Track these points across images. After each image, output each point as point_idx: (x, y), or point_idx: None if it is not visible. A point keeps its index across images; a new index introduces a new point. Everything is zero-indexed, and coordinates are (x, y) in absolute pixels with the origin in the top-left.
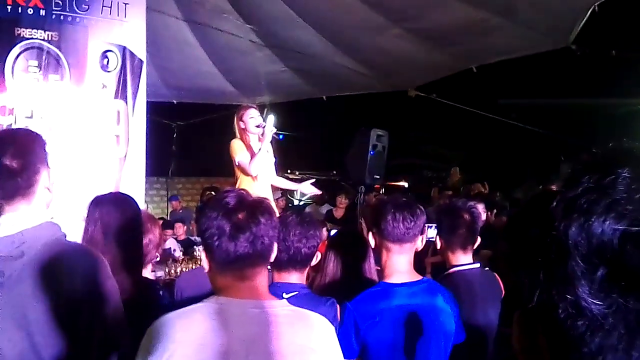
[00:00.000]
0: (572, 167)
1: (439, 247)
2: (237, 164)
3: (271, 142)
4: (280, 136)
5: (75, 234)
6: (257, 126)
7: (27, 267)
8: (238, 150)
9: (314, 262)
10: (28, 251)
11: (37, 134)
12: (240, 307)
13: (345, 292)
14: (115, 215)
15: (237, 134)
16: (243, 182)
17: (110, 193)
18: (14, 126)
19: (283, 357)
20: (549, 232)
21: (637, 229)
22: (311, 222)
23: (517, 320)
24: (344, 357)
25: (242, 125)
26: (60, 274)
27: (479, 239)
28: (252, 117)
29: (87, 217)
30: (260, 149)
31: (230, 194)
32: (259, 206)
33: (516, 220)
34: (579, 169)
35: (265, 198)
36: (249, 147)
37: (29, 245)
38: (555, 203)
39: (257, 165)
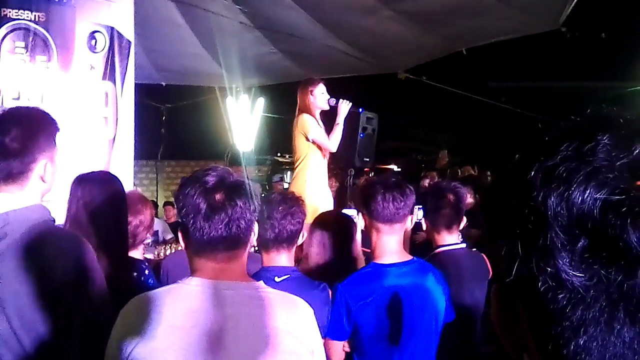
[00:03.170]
0: (550, 134)
1: (424, 228)
2: (311, 140)
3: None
4: (361, 109)
5: (63, 215)
6: (327, 101)
7: (9, 249)
8: (312, 125)
9: (300, 240)
10: (12, 233)
11: (50, 120)
12: (214, 288)
13: (331, 273)
14: (97, 194)
15: (305, 109)
16: (312, 159)
17: (93, 172)
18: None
19: (257, 339)
20: (526, 202)
21: (618, 197)
22: (293, 199)
23: (494, 294)
24: (336, 339)
25: (312, 99)
26: (42, 258)
27: (464, 219)
28: (323, 92)
29: (69, 195)
30: (337, 123)
31: (212, 172)
32: (238, 188)
33: (492, 190)
34: (558, 137)
35: (243, 180)
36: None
37: (13, 227)
38: (533, 172)
39: (337, 140)
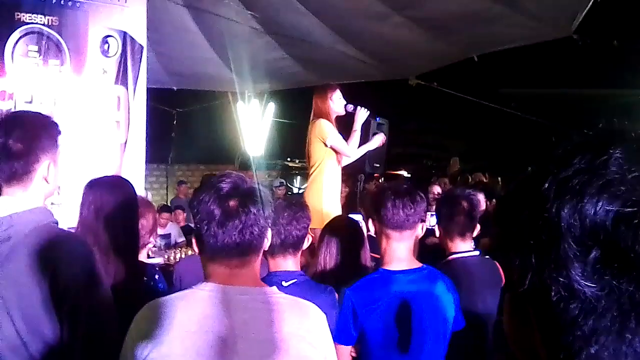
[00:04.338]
0: (563, 147)
1: (437, 235)
2: (329, 145)
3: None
4: (377, 118)
5: (74, 219)
6: (344, 107)
7: (13, 251)
8: (330, 131)
9: (305, 244)
10: (15, 235)
11: (51, 123)
12: (228, 294)
13: (340, 279)
14: (108, 198)
15: (322, 114)
16: (328, 165)
17: (105, 176)
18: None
19: (271, 344)
20: (540, 213)
21: (630, 209)
22: (298, 204)
23: (507, 303)
24: (343, 343)
25: (330, 104)
26: (45, 260)
27: (478, 227)
28: (340, 97)
29: (81, 200)
30: (355, 130)
31: (226, 179)
32: (252, 195)
33: (506, 202)
34: (571, 150)
35: (256, 187)
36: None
37: (17, 230)
38: (547, 184)
39: (355, 146)
